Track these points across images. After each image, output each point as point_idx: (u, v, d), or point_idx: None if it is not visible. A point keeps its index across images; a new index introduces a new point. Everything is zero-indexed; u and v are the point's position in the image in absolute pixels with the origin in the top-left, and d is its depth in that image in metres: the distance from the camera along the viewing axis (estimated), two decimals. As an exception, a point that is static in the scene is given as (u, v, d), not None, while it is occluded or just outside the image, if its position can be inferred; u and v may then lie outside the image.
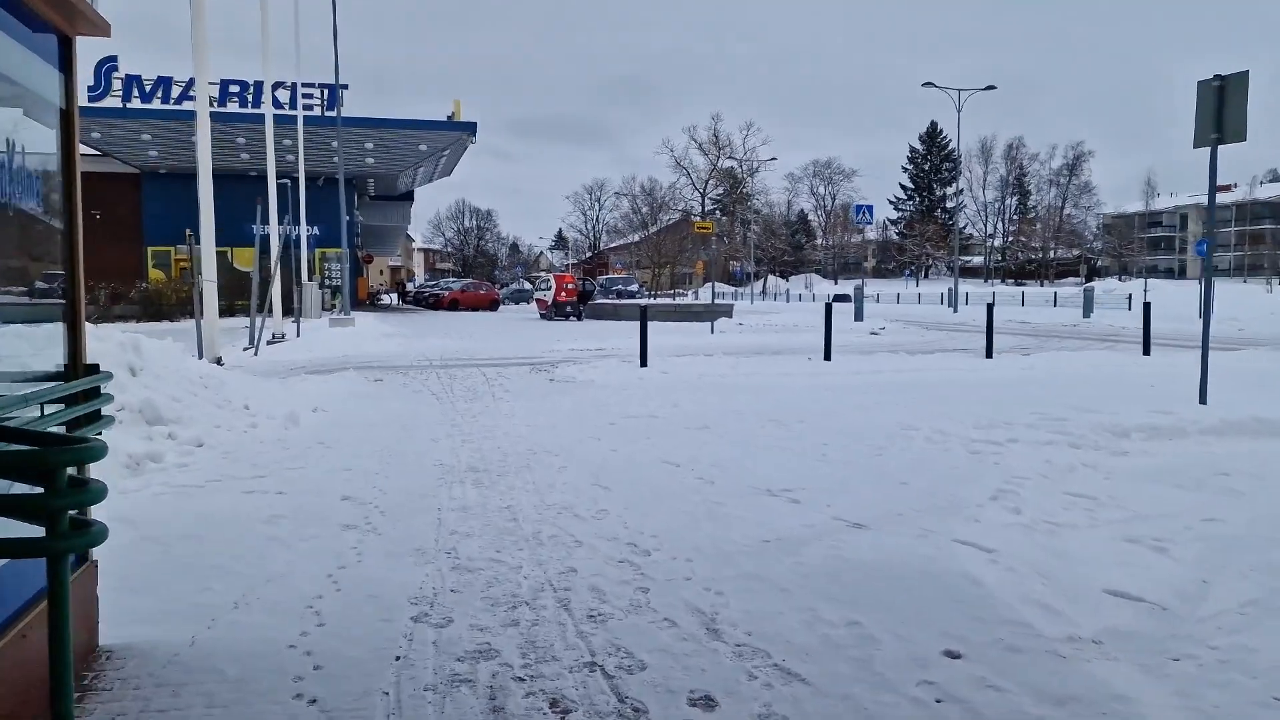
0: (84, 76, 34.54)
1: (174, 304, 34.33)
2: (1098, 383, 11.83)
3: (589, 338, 21.66)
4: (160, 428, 8.03)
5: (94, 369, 3.66)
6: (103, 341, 8.56)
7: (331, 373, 14.12)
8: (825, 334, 14.42)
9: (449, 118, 38.66)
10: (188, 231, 12.02)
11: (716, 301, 32.43)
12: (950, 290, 47.39)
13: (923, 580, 4.40)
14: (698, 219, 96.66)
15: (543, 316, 33.78)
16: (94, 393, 3.62)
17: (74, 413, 3.47)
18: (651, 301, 35.72)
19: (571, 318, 32.55)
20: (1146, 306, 15.59)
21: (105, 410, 7.51)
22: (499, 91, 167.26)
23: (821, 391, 11.35)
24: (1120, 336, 22.92)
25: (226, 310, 34.79)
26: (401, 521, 5.58)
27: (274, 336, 20.30)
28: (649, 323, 28.65)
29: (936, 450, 7.52)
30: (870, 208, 31.15)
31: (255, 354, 17.55)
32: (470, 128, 37.90)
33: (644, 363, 13.74)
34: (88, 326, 8.57)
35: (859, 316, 29.89)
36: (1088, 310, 32.00)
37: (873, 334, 22.86)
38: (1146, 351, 15.30)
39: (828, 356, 14.35)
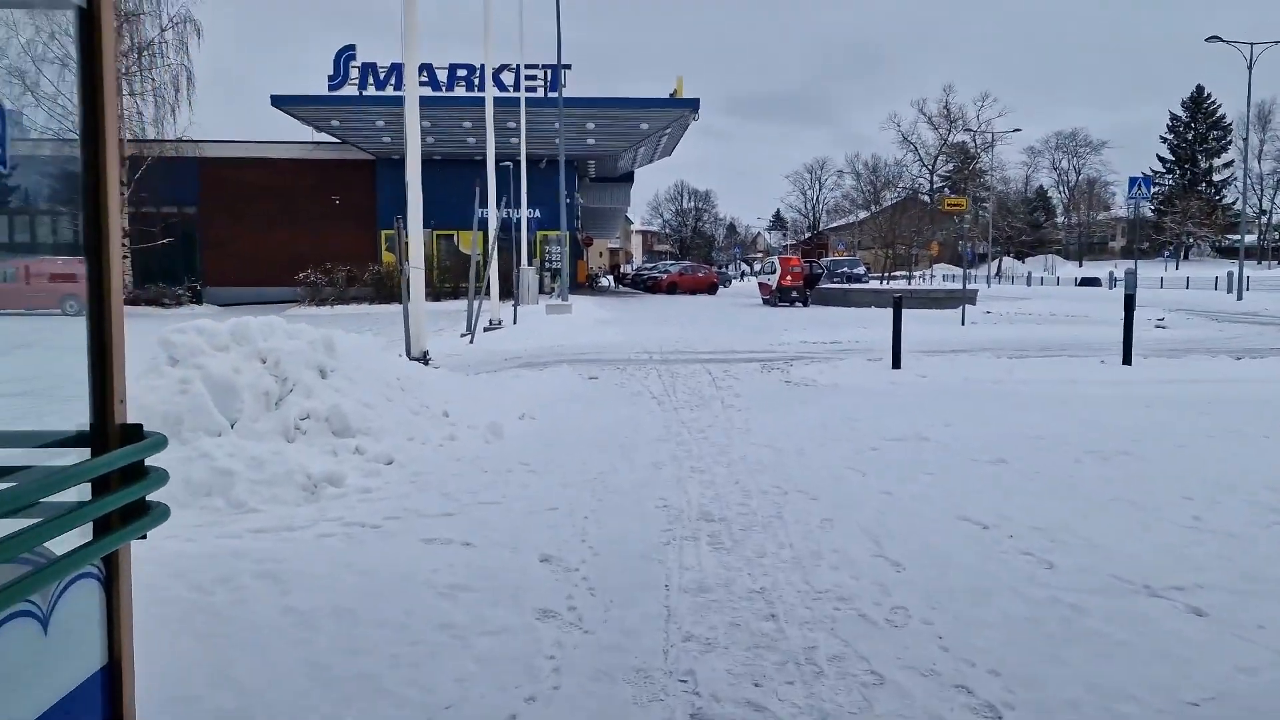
0: (324, 66, 35.99)
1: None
2: None
3: (820, 328, 19.68)
4: (348, 440, 6.96)
5: (136, 431, 2.28)
6: (294, 339, 7.64)
7: (545, 367, 13.02)
8: (1125, 330, 11.78)
9: (671, 95, 37.43)
10: (397, 218, 11.13)
11: (960, 287, 29.39)
12: (1230, 274, 41.55)
13: None
14: (925, 197, 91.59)
15: (766, 302, 31.88)
16: (137, 471, 2.24)
17: (101, 509, 2.09)
18: (891, 287, 33.06)
19: (797, 303, 30.46)
20: None
21: (295, 416, 6.43)
22: (717, 69, 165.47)
23: (1137, 409, 8.96)
24: None
25: (451, 293, 35.45)
26: (616, 609, 4.04)
27: (491, 323, 19.69)
28: (886, 310, 26.26)
29: (1374, 520, 5.19)
30: (1148, 180, 26.99)
31: (471, 341, 16.87)
32: (693, 104, 36.47)
33: (896, 363, 11.71)
34: (277, 320, 7.63)
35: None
36: None
37: (1157, 326, 19.50)
38: None
39: (1127, 359, 11.74)
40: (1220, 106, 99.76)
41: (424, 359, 10.58)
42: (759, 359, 14.03)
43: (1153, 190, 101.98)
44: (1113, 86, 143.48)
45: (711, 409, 9.47)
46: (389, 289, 35.13)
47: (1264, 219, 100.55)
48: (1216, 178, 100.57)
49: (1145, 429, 7.88)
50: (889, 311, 25.40)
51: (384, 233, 41.76)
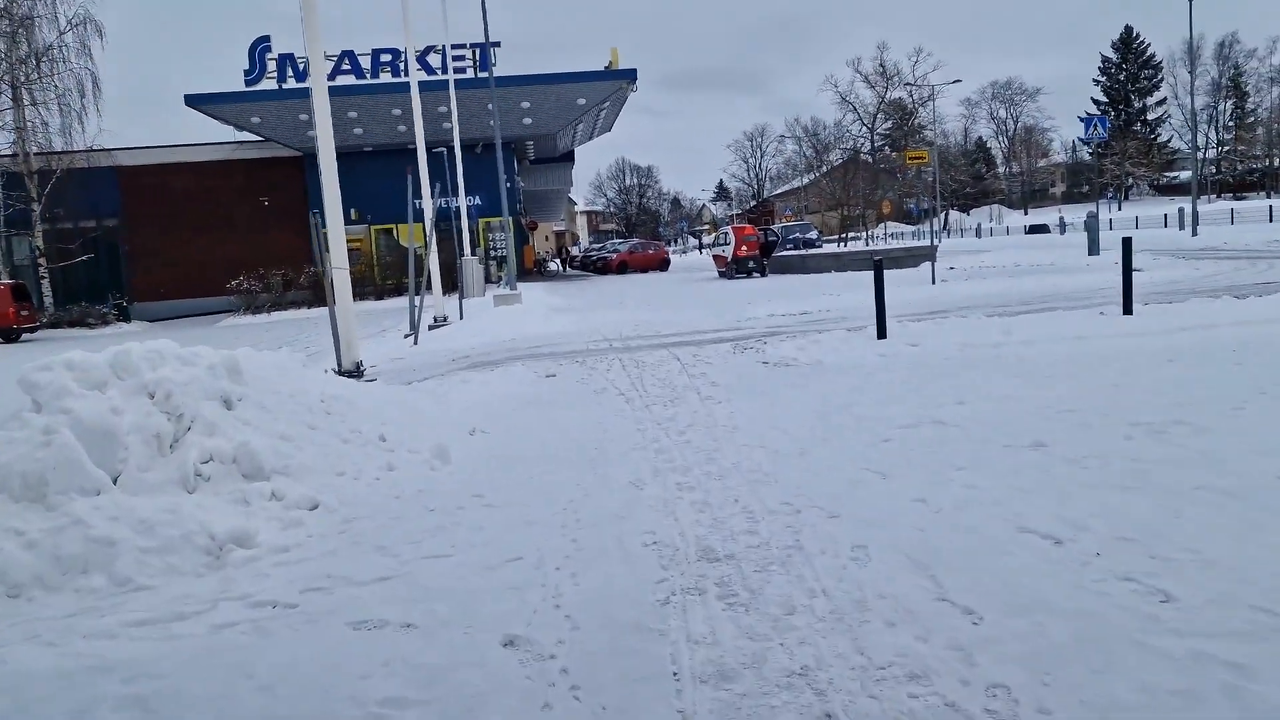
0: (239, 60, 34.09)
1: (344, 287, 33.51)
2: None
3: (785, 298, 18.65)
4: (261, 484, 5.75)
5: None
6: (189, 365, 6.38)
7: (496, 366, 11.82)
8: (1124, 276, 10.87)
9: (606, 67, 36.13)
10: (314, 213, 9.84)
11: (926, 243, 28.67)
12: (1182, 211, 41.53)
13: None
14: (866, 156, 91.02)
15: (722, 275, 30.77)
16: None
17: None
18: (850, 250, 32.18)
19: (755, 274, 29.38)
20: None
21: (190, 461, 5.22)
22: (648, 47, 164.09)
23: (1161, 365, 8.03)
24: None
25: (394, 290, 33.91)
26: (614, 724, 2.93)
27: (435, 320, 18.40)
28: (847, 274, 25.35)
29: None
30: (1103, 119, 26.24)
31: (415, 343, 15.59)
32: (629, 75, 35.23)
33: (882, 333, 10.69)
34: (168, 344, 6.37)
35: (1094, 250, 25.46)
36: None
37: (1135, 270, 18.71)
38: None
39: (1128, 309, 10.84)
40: (1150, 46, 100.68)
41: (357, 371, 9.35)
42: (728, 338, 12.95)
43: (1087, 135, 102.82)
44: (1042, 34, 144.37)
45: (688, 403, 8.37)
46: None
47: (1200, 154, 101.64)
48: (1150, 116, 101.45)
49: (1185, 390, 6.93)
50: (853, 276, 24.56)
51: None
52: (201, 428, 5.96)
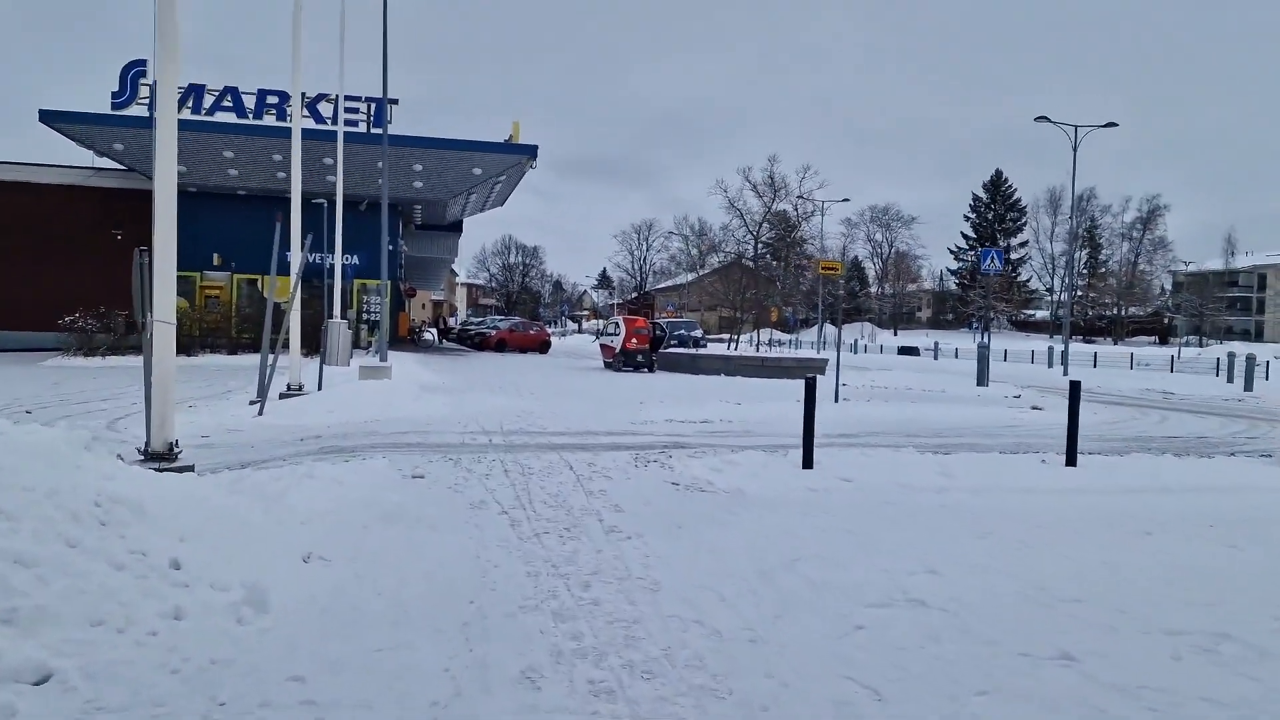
0: (109, 82, 31.32)
1: (196, 335, 30.56)
2: None
3: (681, 401, 17.26)
4: (-37, 639, 3.80)
5: None
6: (-108, 442, 4.38)
7: (352, 455, 9.92)
8: (1070, 426, 9.89)
9: (507, 140, 34.90)
10: (139, 251, 7.91)
11: (808, 355, 28.03)
12: (1051, 349, 42.84)
13: None
14: (749, 262, 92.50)
15: (608, 365, 29.34)
16: None
17: None
18: (741, 354, 31.31)
19: (643, 369, 28.07)
20: None
21: None
22: (543, 131, 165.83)
23: (1142, 539, 6.88)
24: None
25: (250, 344, 31.05)
26: None
27: (290, 387, 16.21)
28: (737, 379, 24.26)
29: None
30: (1000, 253, 26.58)
31: (260, 412, 13.44)
32: (530, 150, 34.04)
33: (808, 462, 9.35)
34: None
35: (982, 380, 25.26)
36: (1249, 382, 27.06)
37: (1034, 408, 18.26)
38: None
39: (1072, 460, 9.84)
40: (1016, 190, 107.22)
41: (169, 454, 7.35)
42: (626, 445, 11.38)
43: (955, 266, 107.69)
44: (921, 167, 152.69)
45: (589, 535, 6.72)
46: (177, 339, 30.42)
47: (1056, 296, 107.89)
48: (1013, 256, 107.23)
49: (1201, 582, 5.72)
50: (745, 382, 23.49)
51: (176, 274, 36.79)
52: (-115, 543, 3.98)
